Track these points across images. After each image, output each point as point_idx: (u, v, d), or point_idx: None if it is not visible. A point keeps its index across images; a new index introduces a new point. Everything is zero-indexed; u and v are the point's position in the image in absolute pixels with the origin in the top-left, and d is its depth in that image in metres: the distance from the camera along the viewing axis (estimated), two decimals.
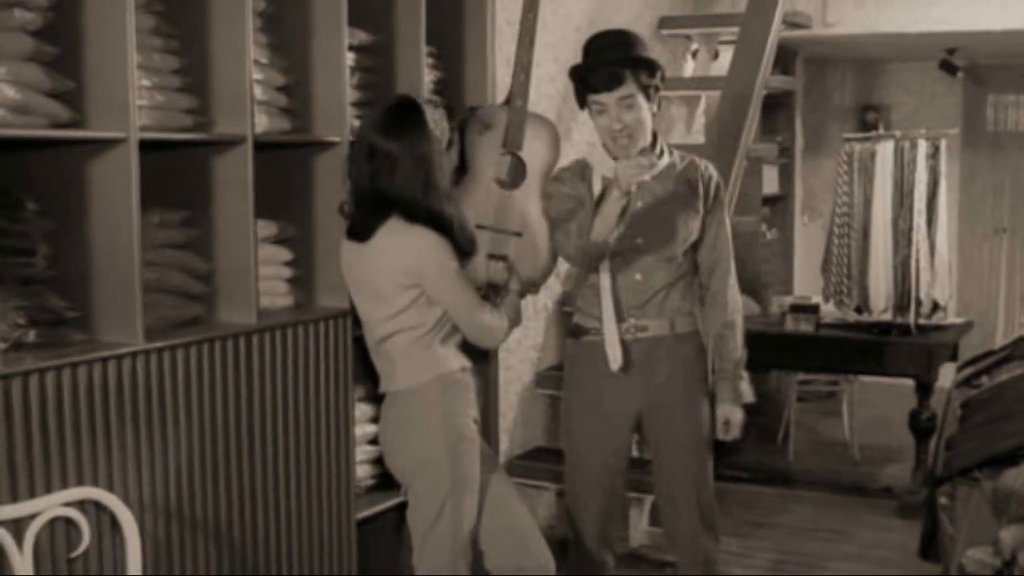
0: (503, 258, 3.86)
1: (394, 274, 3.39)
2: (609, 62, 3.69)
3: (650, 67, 3.73)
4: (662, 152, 3.82)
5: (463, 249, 3.47)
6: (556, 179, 3.91)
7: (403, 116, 3.43)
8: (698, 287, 3.94)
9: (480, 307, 3.52)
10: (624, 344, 3.78)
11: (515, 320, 3.75)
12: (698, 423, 3.91)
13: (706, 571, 3.98)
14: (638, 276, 3.78)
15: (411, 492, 3.54)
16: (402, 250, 3.38)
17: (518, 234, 3.89)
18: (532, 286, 3.97)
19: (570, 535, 4.02)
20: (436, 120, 3.48)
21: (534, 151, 3.95)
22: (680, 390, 3.87)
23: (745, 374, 4.00)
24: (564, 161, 4.01)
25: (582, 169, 3.89)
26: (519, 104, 3.93)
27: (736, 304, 3.98)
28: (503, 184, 3.90)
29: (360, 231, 3.44)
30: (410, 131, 3.39)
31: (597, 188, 3.78)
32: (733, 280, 3.97)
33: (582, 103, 3.80)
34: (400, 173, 3.36)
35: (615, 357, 3.77)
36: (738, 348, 3.96)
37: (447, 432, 3.45)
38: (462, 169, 3.92)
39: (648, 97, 3.73)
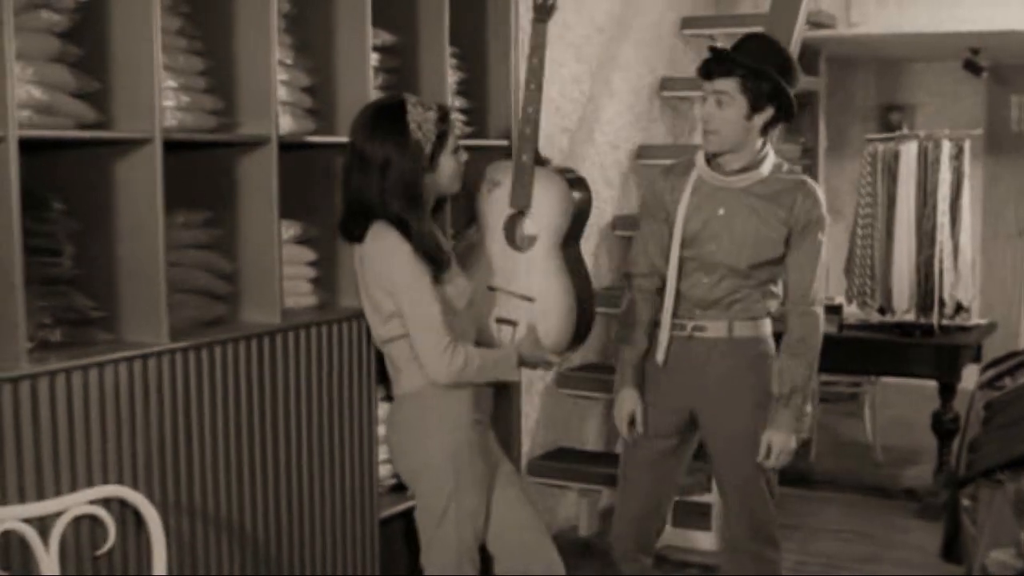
0: (512, 323, 3.84)
1: (376, 278, 3.41)
2: (718, 55, 3.70)
3: (761, 73, 3.63)
4: (758, 164, 3.76)
5: (430, 259, 3.37)
6: (658, 182, 3.91)
7: (379, 117, 3.40)
8: (778, 299, 3.88)
9: (434, 330, 3.36)
10: (673, 340, 3.80)
11: (498, 378, 3.55)
12: (751, 429, 3.83)
13: None
14: (705, 279, 3.78)
15: (416, 495, 3.58)
16: (377, 254, 3.38)
17: (529, 299, 3.85)
18: (544, 362, 3.79)
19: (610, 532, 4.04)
20: (420, 122, 3.36)
21: (543, 210, 3.88)
22: (733, 392, 3.84)
23: (808, 409, 3.86)
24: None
25: (686, 167, 3.86)
26: (524, 160, 3.85)
27: (809, 331, 3.82)
28: (513, 244, 3.89)
29: (348, 232, 3.46)
30: (382, 132, 3.36)
31: (690, 185, 3.78)
32: (812, 308, 3.82)
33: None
34: (368, 174, 3.36)
35: (660, 351, 3.81)
36: (799, 375, 3.77)
37: (448, 436, 3.46)
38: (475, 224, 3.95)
39: (752, 104, 3.65)
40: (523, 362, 3.64)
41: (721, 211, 3.74)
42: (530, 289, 3.86)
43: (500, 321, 3.84)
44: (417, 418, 3.50)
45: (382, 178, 3.33)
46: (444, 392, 3.44)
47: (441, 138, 3.40)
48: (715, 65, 3.68)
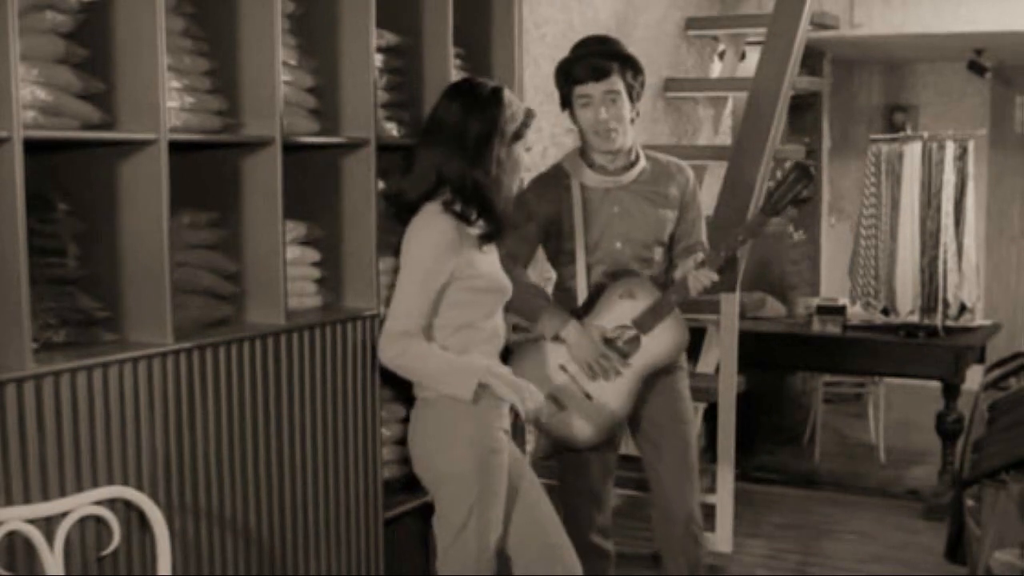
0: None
1: (402, 255, 3.48)
2: (596, 54, 3.80)
3: (635, 67, 3.83)
4: (637, 158, 3.90)
5: (489, 229, 3.45)
6: (527, 193, 3.95)
7: (479, 96, 3.47)
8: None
9: (399, 314, 3.41)
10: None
11: (442, 391, 3.46)
12: (684, 413, 4.05)
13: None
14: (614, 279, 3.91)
15: (437, 501, 3.55)
16: (413, 228, 3.44)
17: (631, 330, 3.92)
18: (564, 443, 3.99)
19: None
20: (515, 111, 3.47)
21: (652, 346, 3.90)
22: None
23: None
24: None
25: (559, 177, 3.94)
26: (673, 299, 3.85)
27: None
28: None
29: (410, 205, 3.51)
30: (480, 110, 3.44)
31: (575, 193, 3.86)
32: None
33: (565, 101, 3.89)
34: (452, 146, 3.44)
35: None
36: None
37: (477, 445, 3.45)
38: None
39: (631, 97, 3.82)
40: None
41: (616, 209, 3.85)
42: (601, 392, 3.91)
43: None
44: (445, 425, 3.48)
45: (473, 151, 3.38)
46: (475, 399, 3.42)
47: (523, 129, 3.48)
48: (605, 63, 3.78)
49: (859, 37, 7.74)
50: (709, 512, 5.58)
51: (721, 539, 5.54)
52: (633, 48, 6.07)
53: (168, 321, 3.12)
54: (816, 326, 6.72)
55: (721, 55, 7.15)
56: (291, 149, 3.52)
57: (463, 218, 3.39)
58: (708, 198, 6.47)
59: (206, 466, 3.25)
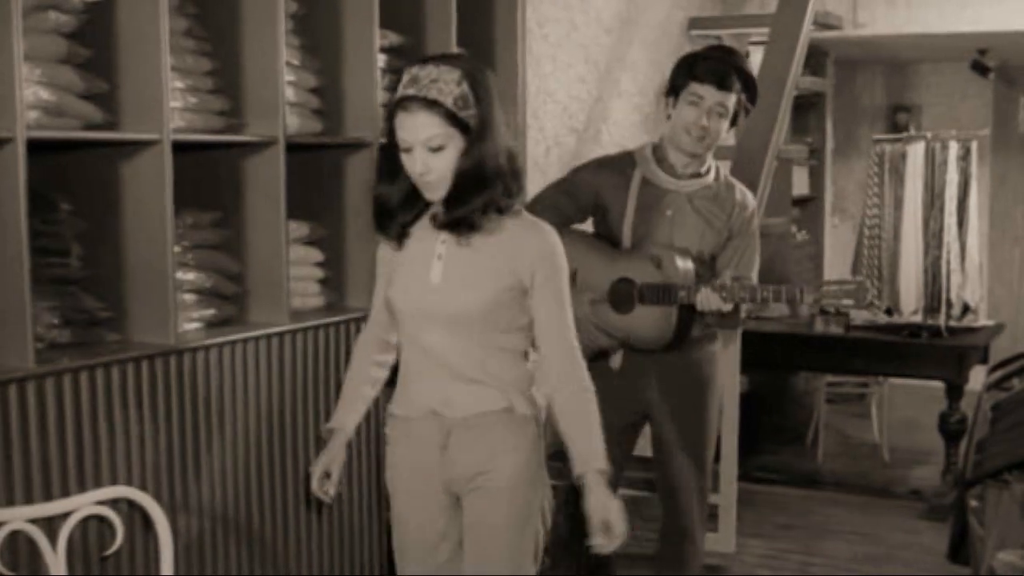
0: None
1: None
2: (727, 64, 3.71)
3: (753, 94, 3.75)
4: (707, 171, 3.82)
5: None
6: (589, 166, 3.89)
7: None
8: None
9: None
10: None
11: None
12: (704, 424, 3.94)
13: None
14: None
15: (493, 511, 2.94)
16: None
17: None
18: None
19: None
20: None
21: (637, 319, 3.77)
22: (686, 389, 3.89)
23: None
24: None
25: (624, 164, 3.86)
26: (682, 295, 3.69)
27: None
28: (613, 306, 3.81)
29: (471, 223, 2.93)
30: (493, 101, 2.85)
31: (635, 184, 3.77)
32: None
33: (675, 90, 3.76)
34: (495, 145, 2.78)
35: (616, 357, 3.82)
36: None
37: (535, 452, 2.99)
38: None
39: (734, 120, 3.73)
40: None
41: (670, 212, 3.77)
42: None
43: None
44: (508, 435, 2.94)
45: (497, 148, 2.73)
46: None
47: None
48: (731, 77, 3.68)
49: (862, 37, 7.73)
50: (712, 512, 5.57)
51: (723, 539, 5.53)
52: (636, 48, 6.12)
53: (171, 321, 3.12)
54: (819, 326, 6.70)
55: None
56: (294, 149, 3.53)
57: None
58: None
59: (209, 466, 3.25)
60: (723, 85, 3.67)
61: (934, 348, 6.45)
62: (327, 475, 2.92)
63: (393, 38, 3.99)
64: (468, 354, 2.79)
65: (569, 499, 4.07)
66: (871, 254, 6.78)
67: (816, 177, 9.31)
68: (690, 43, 6.72)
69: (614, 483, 3.94)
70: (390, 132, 2.71)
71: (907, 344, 6.50)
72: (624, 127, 6.08)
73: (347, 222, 3.82)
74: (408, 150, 2.67)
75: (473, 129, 2.66)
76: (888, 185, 6.70)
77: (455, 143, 2.66)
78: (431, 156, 2.66)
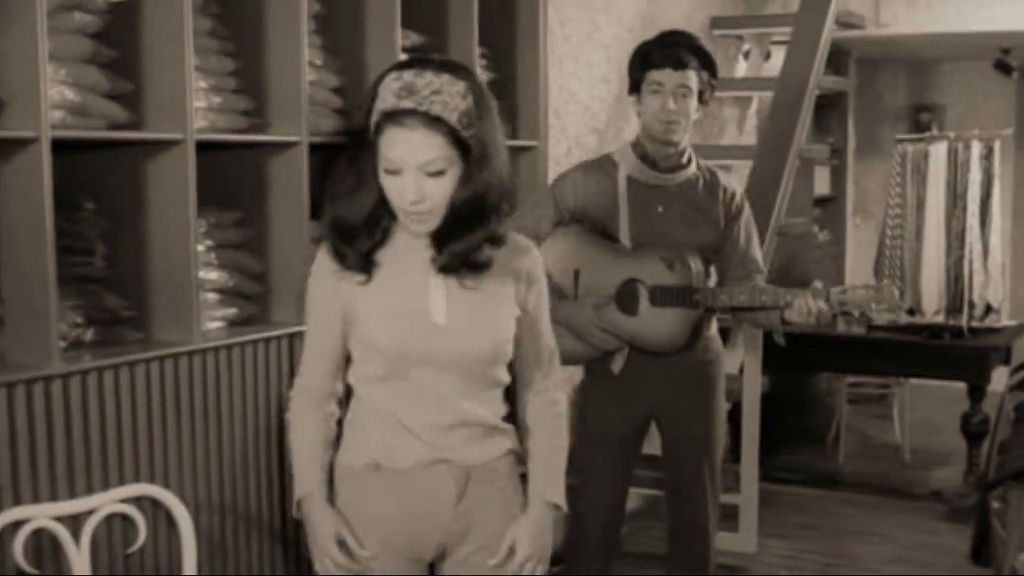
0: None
1: None
2: (679, 45, 3.71)
3: (712, 69, 3.74)
4: (689, 161, 3.81)
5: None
6: (569, 177, 3.83)
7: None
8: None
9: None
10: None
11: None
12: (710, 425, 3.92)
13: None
14: None
15: None
16: None
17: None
18: None
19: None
20: None
21: (647, 322, 3.74)
22: (693, 391, 3.86)
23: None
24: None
25: (605, 166, 3.82)
26: (696, 298, 3.71)
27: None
28: (621, 307, 3.75)
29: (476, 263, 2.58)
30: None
31: (621, 185, 3.75)
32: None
33: (635, 85, 3.76)
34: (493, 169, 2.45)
35: (618, 360, 3.78)
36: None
37: None
38: None
39: (701, 97, 3.71)
40: None
41: (660, 209, 3.76)
42: None
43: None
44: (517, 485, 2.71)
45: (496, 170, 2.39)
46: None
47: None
48: (686, 55, 3.68)
49: (885, 36, 7.72)
50: (732, 512, 5.57)
51: (744, 539, 5.53)
52: None
53: (194, 320, 3.14)
54: (840, 327, 6.69)
55: (746, 55, 7.13)
56: (316, 149, 3.53)
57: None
58: None
59: (231, 464, 3.26)
60: (679, 65, 3.66)
61: (956, 349, 6.43)
62: (342, 544, 2.48)
63: (415, 38, 4.00)
64: (474, 394, 2.48)
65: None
66: (893, 254, 6.76)
67: (838, 177, 9.29)
68: (712, 43, 6.72)
69: (619, 487, 3.95)
70: (361, 145, 2.33)
71: (929, 345, 6.48)
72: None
73: None
74: (396, 172, 2.29)
75: (475, 152, 2.30)
76: (910, 185, 6.68)
77: (455, 168, 2.29)
78: (428, 181, 2.28)
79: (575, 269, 3.74)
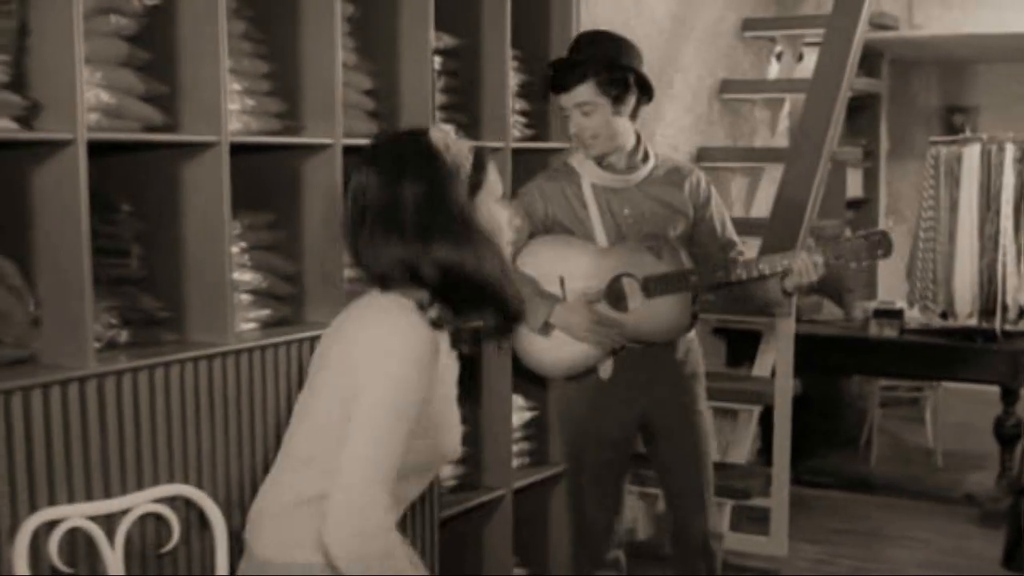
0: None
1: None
2: (566, 64, 3.72)
3: (612, 66, 3.67)
4: (646, 156, 3.82)
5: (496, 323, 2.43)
6: (533, 189, 3.84)
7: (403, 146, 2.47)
8: None
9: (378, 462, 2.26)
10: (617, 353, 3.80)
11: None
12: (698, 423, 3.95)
13: None
14: None
15: None
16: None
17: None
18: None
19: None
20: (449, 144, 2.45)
21: (646, 314, 3.74)
22: (681, 390, 3.90)
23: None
24: None
25: (569, 175, 3.83)
26: (693, 280, 3.73)
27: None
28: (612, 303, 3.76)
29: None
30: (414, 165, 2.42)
31: (587, 191, 3.76)
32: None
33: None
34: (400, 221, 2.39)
35: (606, 367, 3.79)
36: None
37: None
38: None
39: (614, 101, 3.68)
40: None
41: (627, 211, 3.76)
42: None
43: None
44: None
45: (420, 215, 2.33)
46: None
47: (480, 174, 2.43)
48: (568, 75, 3.67)
49: (918, 38, 7.68)
50: (764, 515, 5.56)
51: (776, 543, 5.52)
52: (689, 49, 6.11)
53: (229, 321, 3.15)
54: (873, 329, 6.67)
55: (778, 56, 7.11)
56: (349, 151, 3.54)
57: (438, 324, 2.37)
58: (764, 201, 6.46)
59: (265, 465, 3.27)
60: (566, 87, 3.66)
61: (989, 352, 6.40)
62: None
63: (448, 40, 4.01)
64: None
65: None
66: (926, 257, 6.74)
67: (870, 179, 9.26)
68: (743, 45, 6.71)
69: (614, 488, 3.94)
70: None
71: (962, 348, 6.45)
72: (676, 129, 6.07)
73: None
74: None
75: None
76: (943, 187, 6.65)
77: None
78: None
79: (559, 276, 3.73)
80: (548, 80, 3.75)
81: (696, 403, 3.91)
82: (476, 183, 2.39)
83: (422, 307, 2.34)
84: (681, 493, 3.95)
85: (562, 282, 3.72)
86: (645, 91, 3.78)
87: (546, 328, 3.69)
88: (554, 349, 3.75)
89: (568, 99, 3.67)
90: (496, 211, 2.45)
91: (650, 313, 3.71)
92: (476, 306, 2.38)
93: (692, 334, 3.88)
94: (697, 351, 3.94)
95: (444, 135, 2.43)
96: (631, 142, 3.77)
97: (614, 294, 3.71)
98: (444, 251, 2.31)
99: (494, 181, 2.45)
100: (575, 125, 3.69)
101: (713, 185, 3.91)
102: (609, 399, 3.82)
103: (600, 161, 3.76)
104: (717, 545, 4.00)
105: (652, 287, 3.68)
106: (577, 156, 3.82)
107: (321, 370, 2.43)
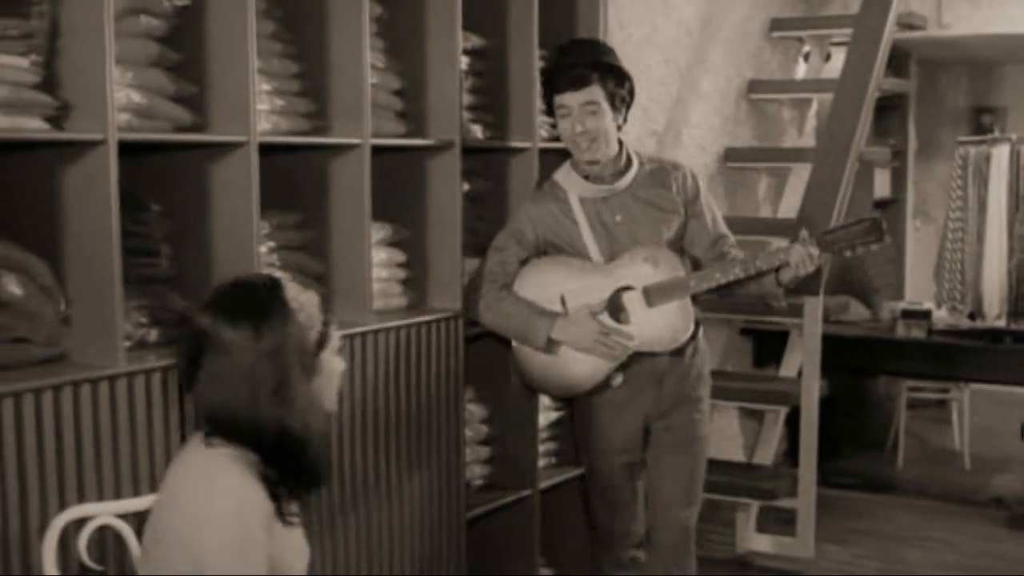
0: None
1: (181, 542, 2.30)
2: (577, 64, 3.69)
3: (619, 75, 3.71)
4: (629, 162, 3.81)
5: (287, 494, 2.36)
6: (523, 212, 3.85)
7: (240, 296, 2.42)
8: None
9: None
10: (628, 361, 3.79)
11: None
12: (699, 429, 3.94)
13: None
14: None
15: None
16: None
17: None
18: None
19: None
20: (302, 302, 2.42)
21: (648, 323, 3.75)
22: (686, 394, 3.88)
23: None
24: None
25: (555, 192, 3.83)
26: (692, 284, 3.73)
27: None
28: (612, 314, 3.77)
29: None
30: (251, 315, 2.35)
31: (575, 206, 3.77)
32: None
33: (549, 107, 3.79)
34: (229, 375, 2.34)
35: (618, 376, 3.80)
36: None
37: None
38: None
39: (614, 106, 3.70)
40: None
41: (618, 218, 3.76)
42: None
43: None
44: None
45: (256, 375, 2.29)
46: None
47: (326, 332, 2.43)
48: (581, 73, 3.66)
49: (947, 38, 7.64)
50: (790, 517, 5.55)
51: (802, 544, 5.51)
52: (716, 49, 6.10)
53: None
54: (900, 330, 6.65)
55: (806, 56, 7.09)
56: (377, 151, 3.55)
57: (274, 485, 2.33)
58: (792, 201, 6.44)
59: None
60: (579, 84, 3.65)
61: (1018, 353, 6.38)
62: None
63: (476, 40, 4.01)
64: None
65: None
66: (954, 257, 6.72)
67: (898, 179, 9.23)
68: (771, 45, 6.69)
69: (630, 491, 3.94)
70: None
71: (990, 349, 6.43)
72: (704, 129, 6.06)
73: (429, 224, 3.84)
74: None
75: None
76: (972, 188, 6.63)
77: None
78: None
79: (560, 295, 3.75)
80: (552, 78, 3.74)
81: (700, 403, 3.90)
82: (324, 336, 2.40)
83: (251, 463, 2.31)
84: (670, 486, 3.92)
85: (563, 301, 3.74)
86: (631, 95, 3.80)
87: (551, 345, 3.73)
88: (562, 367, 3.78)
89: (575, 98, 3.66)
90: (335, 363, 2.45)
91: (653, 323, 3.72)
92: (293, 466, 2.33)
93: (699, 334, 3.87)
94: (704, 351, 3.93)
95: (297, 289, 2.41)
96: (615, 150, 3.77)
97: (616, 308, 3.72)
98: (277, 410, 2.29)
99: (335, 334, 2.45)
100: (578, 125, 3.67)
101: (701, 178, 3.92)
102: (618, 403, 3.83)
103: (585, 175, 3.76)
104: (692, 546, 3.98)
105: (653, 297, 3.70)
106: (562, 171, 3.83)
107: (156, 545, 2.34)
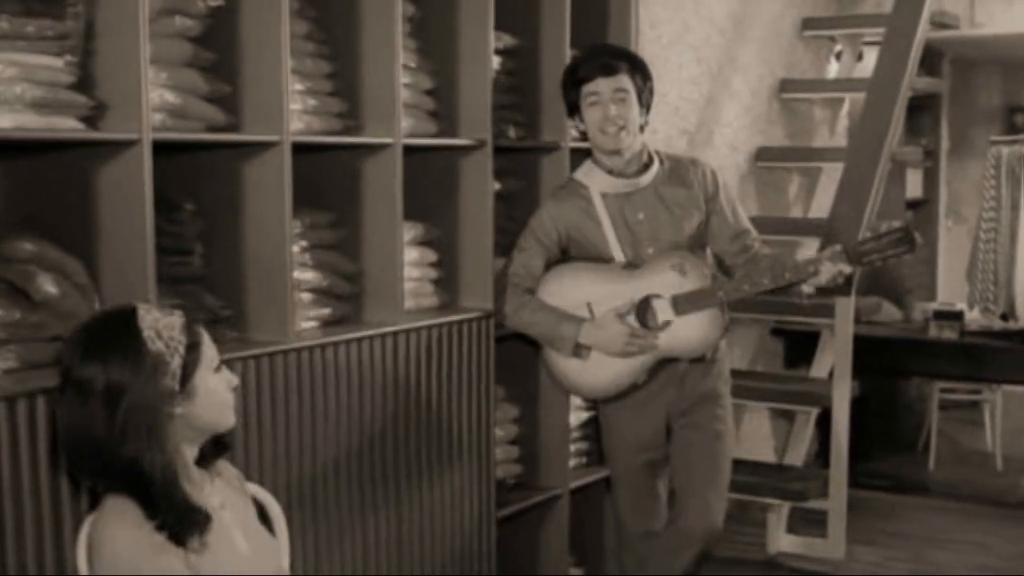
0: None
1: None
2: (606, 53, 3.76)
3: (644, 72, 3.76)
4: (651, 160, 3.81)
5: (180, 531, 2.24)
6: (544, 212, 3.85)
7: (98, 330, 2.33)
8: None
9: None
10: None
11: None
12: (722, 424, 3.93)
13: None
14: None
15: None
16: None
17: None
18: None
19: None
20: (159, 329, 2.28)
21: (677, 331, 3.74)
22: (707, 390, 3.88)
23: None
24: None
25: (576, 191, 3.83)
26: (720, 296, 3.71)
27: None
28: (641, 321, 3.75)
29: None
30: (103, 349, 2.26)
31: (598, 204, 3.77)
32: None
33: (572, 106, 3.78)
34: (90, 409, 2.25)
35: (643, 372, 3.79)
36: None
37: None
38: None
39: (641, 100, 3.73)
40: None
41: (641, 216, 3.76)
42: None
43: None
44: None
45: (110, 412, 2.20)
46: None
47: (192, 351, 2.31)
48: (613, 61, 3.70)
49: (980, 37, 7.60)
50: (821, 518, 5.53)
51: (833, 545, 5.49)
52: (748, 48, 6.08)
53: (289, 320, 3.18)
54: (932, 331, 6.61)
55: (838, 55, 7.06)
56: (409, 150, 3.56)
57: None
58: (823, 201, 6.42)
59: (324, 463, 3.30)
60: (610, 71, 3.69)
61: None
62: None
63: (507, 40, 4.02)
64: None
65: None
66: (986, 258, 6.69)
67: (930, 179, 9.18)
68: (803, 44, 6.67)
69: (651, 490, 3.93)
70: None
71: (1022, 351, 6.38)
72: (735, 129, 6.04)
73: (460, 223, 3.85)
74: None
75: None
76: (1005, 188, 6.60)
77: None
78: None
79: (587, 302, 3.74)
80: (580, 69, 3.74)
81: (721, 399, 3.90)
82: (193, 361, 2.30)
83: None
84: (701, 472, 3.91)
85: (590, 308, 3.74)
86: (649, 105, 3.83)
87: (578, 350, 3.73)
88: (592, 372, 3.78)
89: (608, 84, 3.68)
90: (216, 382, 2.36)
91: (682, 330, 3.72)
92: (162, 503, 2.22)
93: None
94: (725, 351, 3.94)
95: (155, 318, 2.27)
96: (640, 145, 3.78)
97: (644, 315, 3.71)
98: (133, 444, 2.20)
99: (209, 352, 2.35)
100: (610, 109, 3.68)
101: (720, 174, 3.91)
102: (640, 401, 3.83)
103: (609, 169, 3.76)
104: (713, 541, 3.91)
105: (681, 304, 3.70)
106: (583, 168, 3.84)
107: None
